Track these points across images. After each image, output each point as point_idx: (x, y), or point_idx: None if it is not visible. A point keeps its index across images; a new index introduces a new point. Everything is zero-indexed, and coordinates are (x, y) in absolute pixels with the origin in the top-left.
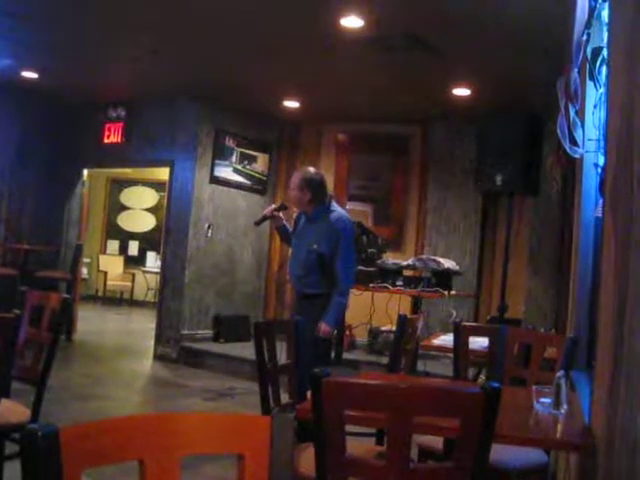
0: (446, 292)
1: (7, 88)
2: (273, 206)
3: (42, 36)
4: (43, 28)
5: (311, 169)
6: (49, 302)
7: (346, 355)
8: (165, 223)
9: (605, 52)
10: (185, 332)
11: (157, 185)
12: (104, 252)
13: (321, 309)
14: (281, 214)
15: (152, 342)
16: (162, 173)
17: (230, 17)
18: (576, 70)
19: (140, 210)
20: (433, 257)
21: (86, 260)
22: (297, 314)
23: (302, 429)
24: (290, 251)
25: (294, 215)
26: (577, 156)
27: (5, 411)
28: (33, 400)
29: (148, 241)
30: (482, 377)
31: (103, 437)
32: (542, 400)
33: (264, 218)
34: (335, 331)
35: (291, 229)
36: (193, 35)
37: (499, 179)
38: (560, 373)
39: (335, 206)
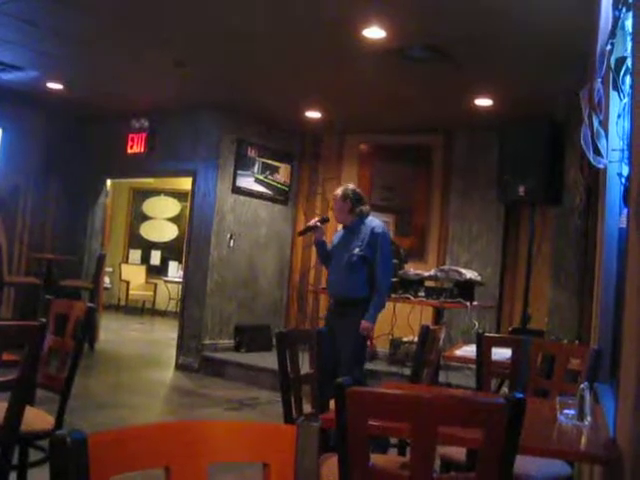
0: (468, 303)
1: (32, 99)
2: (316, 218)
3: (67, 48)
4: (68, 40)
5: (352, 184)
6: (74, 311)
7: (367, 366)
8: (187, 233)
9: (629, 62)
10: (207, 342)
11: (179, 195)
12: (126, 262)
13: (358, 315)
14: (323, 227)
15: (174, 351)
16: (184, 183)
17: (253, 29)
18: (600, 80)
19: (162, 220)
20: (455, 268)
21: (108, 269)
22: (335, 323)
23: (323, 438)
24: (324, 266)
25: (333, 237)
26: (601, 166)
27: (30, 419)
28: (57, 408)
29: (170, 251)
30: (505, 388)
31: (130, 444)
32: (566, 412)
33: (307, 229)
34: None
35: (329, 248)
36: (216, 47)
37: (521, 189)
38: (584, 385)
39: (372, 218)
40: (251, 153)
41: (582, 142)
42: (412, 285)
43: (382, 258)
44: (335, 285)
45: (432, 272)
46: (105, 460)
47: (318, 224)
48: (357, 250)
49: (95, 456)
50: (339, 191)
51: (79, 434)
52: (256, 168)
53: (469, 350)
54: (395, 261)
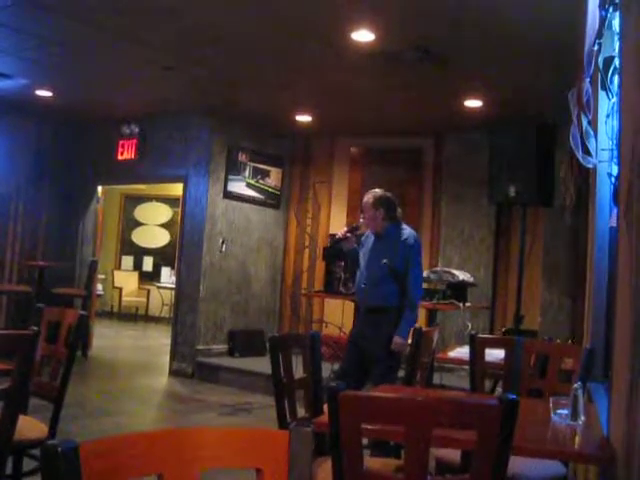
0: (461, 304)
1: (22, 106)
2: (345, 228)
3: (56, 55)
4: (57, 47)
5: (380, 190)
6: (66, 318)
7: None
8: (179, 238)
9: (617, 61)
10: (200, 347)
11: (171, 201)
12: (119, 268)
13: (390, 323)
14: (353, 236)
15: (167, 357)
16: (175, 189)
17: (242, 33)
18: (588, 80)
19: (154, 226)
20: (447, 269)
21: (101, 276)
22: (362, 329)
23: (318, 442)
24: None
25: (362, 238)
26: (590, 166)
27: (23, 427)
28: (50, 416)
29: (162, 257)
30: (499, 389)
31: (123, 452)
32: (559, 412)
33: (338, 240)
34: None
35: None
36: (205, 51)
37: (512, 190)
38: (577, 384)
39: (405, 225)
40: (242, 158)
41: (572, 142)
42: None
43: (413, 270)
44: (364, 293)
45: (425, 274)
46: (97, 469)
47: (348, 235)
48: (387, 261)
49: (87, 465)
50: (370, 198)
51: (70, 443)
52: (247, 173)
53: (462, 351)
54: None
